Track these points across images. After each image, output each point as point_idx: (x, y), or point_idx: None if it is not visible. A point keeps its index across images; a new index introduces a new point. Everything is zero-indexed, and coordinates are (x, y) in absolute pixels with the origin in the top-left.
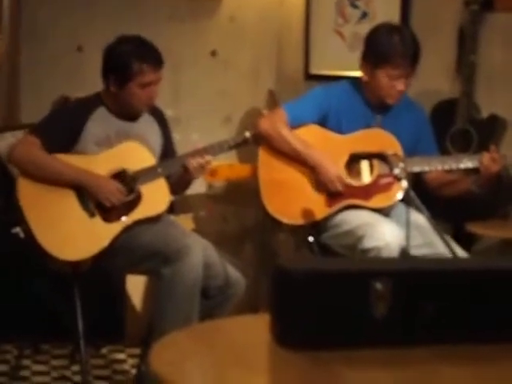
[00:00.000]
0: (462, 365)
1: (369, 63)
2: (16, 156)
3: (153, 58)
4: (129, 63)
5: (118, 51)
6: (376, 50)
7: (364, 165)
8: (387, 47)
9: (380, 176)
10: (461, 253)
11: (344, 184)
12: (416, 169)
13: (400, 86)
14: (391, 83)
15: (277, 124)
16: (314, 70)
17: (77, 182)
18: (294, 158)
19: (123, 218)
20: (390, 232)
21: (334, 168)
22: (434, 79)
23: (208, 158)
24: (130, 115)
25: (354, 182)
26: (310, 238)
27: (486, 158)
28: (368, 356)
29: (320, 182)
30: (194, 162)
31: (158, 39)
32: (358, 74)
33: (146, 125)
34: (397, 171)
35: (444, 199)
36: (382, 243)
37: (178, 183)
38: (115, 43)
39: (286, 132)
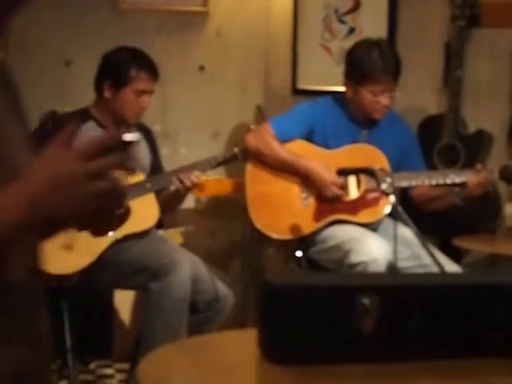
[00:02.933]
0: (450, 380)
1: (352, 81)
2: None
3: (150, 67)
4: (127, 68)
5: (117, 57)
6: (357, 67)
7: (351, 180)
8: (368, 64)
9: (367, 191)
10: (450, 266)
11: (341, 187)
12: (403, 184)
13: (384, 100)
14: (375, 99)
15: (264, 138)
16: (302, 85)
17: None
18: (284, 171)
19: (112, 233)
20: (377, 246)
21: (328, 173)
22: (420, 94)
23: (197, 173)
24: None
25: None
26: (298, 253)
27: (472, 181)
28: (355, 371)
29: (315, 190)
30: (185, 181)
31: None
32: (344, 89)
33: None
34: (384, 186)
35: (430, 214)
36: (369, 258)
37: (170, 200)
38: (114, 51)
39: (274, 144)
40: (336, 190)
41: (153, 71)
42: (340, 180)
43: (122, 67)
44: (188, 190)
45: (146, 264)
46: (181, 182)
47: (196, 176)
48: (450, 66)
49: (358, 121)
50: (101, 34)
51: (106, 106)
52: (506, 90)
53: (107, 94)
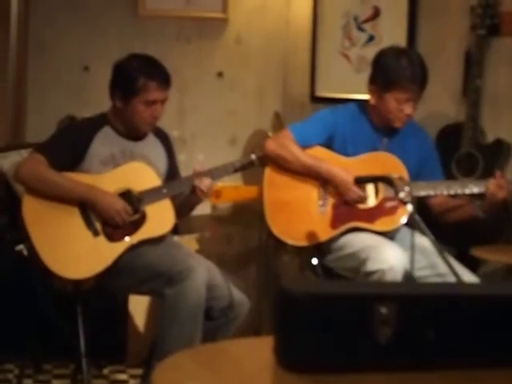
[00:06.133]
0: None
1: (377, 87)
2: (23, 174)
3: (160, 76)
4: (135, 78)
5: (126, 66)
6: (385, 73)
7: (369, 188)
8: (396, 71)
9: (385, 199)
10: (467, 276)
11: (362, 189)
12: (422, 193)
13: (408, 109)
14: (399, 107)
15: (284, 143)
16: (320, 93)
17: (85, 198)
18: (305, 175)
19: (127, 238)
20: (394, 255)
21: (349, 176)
22: (440, 103)
23: (208, 180)
24: (135, 135)
25: (359, 205)
26: (314, 260)
27: (492, 184)
28: (371, 380)
29: (335, 195)
30: (200, 185)
31: (165, 60)
32: (364, 96)
33: (151, 145)
34: (402, 195)
35: (448, 223)
36: (386, 266)
37: (183, 206)
38: (125, 59)
39: (295, 149)
40: (358, 192)
41: (163, 80)
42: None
43: (130, 78)
44: (205, 195)
45: (162, 270)
46: (196, 190)
47: (209, 181)
48: (469, 74)
49: (379, 129)
50: (120, 39)
51: (119, 115)
52: None
53: (118, 104)
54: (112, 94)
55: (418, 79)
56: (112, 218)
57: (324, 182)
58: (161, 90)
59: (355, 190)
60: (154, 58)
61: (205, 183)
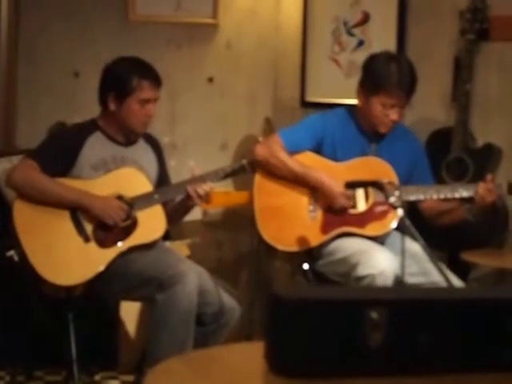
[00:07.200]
0: None
1: (364, 90)
2: (15, 180)
3: (152, 75)
4: (128, 78)
5: (117, 68)
6: (373, 77)
7: (359, 193)
8: (384, 75)
9: (375, 204)
10: (456, 281)
11: (349, 198)
12: (411, 197)
13: (393, 115)
14: (384, 112)
15: (273, 149)
16: (310, 98)
17: (78, 203)
18: (293, 182)
19: (118, 244)
20: (384, 260)
21: (336, 184)
22: (429, 108)
23: (210, 184)
24: (127, 139)
25: (349, 210)
26: (305, 266)
27: (481, 188)
28: None
29: (324, 201)
30: (198, 189)
31: (155, 65)
32: (354, 101)
33: (142, 151)
34: (392, 199)
35: (438, 228)
36: (377, 271)
37: (177, 211)
38: (114, 62)
39: (283, 155)
40: (344, 202)
41: (155, 79)
42: (348, 192)
43: (124, 78)
44: (201, 199)
45: (153, 275)
46: (192, 194)
47: (210, 187)
48: (459, 79)
49: (368, 134)
50: (110, 45)
51: (112, 118)
52: None
53: (112, 106)
54: (104, 97)
55: (405, 86)
56: (109, 217)
57: (313, 188)
58: (154, 88)
59: (341, 201)
60: (142, 59)
61: (203, 187)
